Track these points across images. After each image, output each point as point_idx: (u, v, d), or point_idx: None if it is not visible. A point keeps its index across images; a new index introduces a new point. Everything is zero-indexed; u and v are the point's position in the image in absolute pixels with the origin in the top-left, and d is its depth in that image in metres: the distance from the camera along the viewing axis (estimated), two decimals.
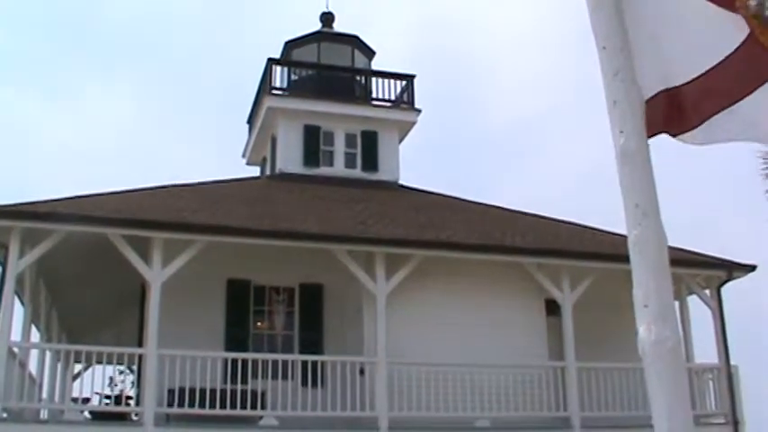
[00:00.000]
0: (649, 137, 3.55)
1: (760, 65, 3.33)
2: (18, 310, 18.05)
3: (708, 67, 3.43)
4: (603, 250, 19.86)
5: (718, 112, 3.46)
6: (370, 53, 27.56)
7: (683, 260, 19.14)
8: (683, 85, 3.50)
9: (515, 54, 78.24)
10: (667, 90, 3.54)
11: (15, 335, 17.00)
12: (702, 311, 21.02)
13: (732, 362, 20.39)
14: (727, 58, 3.38)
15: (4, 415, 15.77)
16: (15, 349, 16.52)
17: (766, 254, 21.01)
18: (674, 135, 3.63)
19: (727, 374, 20.19)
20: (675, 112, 3.54)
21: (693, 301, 21.13)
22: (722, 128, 3.50)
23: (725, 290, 21.07)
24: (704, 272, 20.90)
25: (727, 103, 3.42)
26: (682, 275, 19.53)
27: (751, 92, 3.38)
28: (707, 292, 21.07)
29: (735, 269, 20.88)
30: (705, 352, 20.87)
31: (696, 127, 3.54)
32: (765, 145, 3.49)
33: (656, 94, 3.57)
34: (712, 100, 3.45)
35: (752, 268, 21.00)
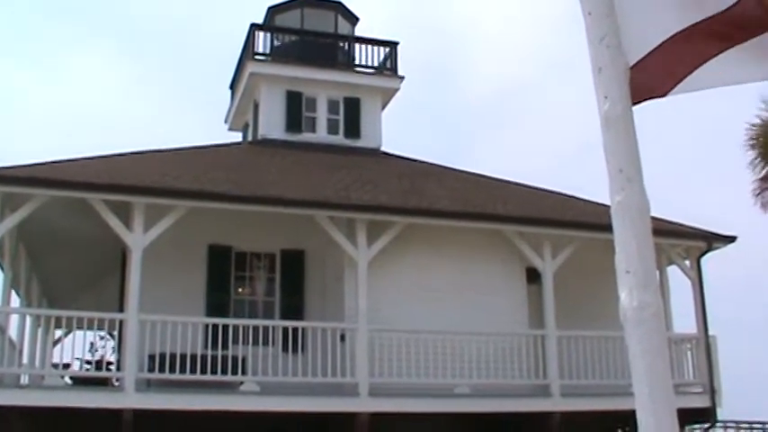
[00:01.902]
0: (635, 104, 3.53)
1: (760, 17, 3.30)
2: None
3: (698, 19, 3.41)
4: (585, 219, 19.94)
5: (715, 55, 3.43)
6: (353, 19, 27.43)
7: (663, 230, 19.22)
8: (676, 34, 3.48)
9: (500, 23, 78.07)
10: (658, 47, 3.52)
11: None
12: (678, 282, 21.19)
13: (710, 332, 20.57)
14: (718, 13, 3.35)
15: None
16: None
17: (746, 224, 21.18)
18: (663, 95, 3.60)
19: (706, 344, 20.34)
20: (667, 65, 3.52)
21: (671, 271, 21.27)
22: (720, 71, 3.47)
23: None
24: (685, 242, 21.00)
25: (725, 46, 3.40)
26: (662, 245, 19.61)
27: (751, 37, 3.35)
28: (687, 262, 21.19)
29: (715, 240, 21.00)
30: (682, 322, 21.06)
31: (688, 75, 3.51)
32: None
33: (642, 58, 3.55)
34: (709, 43, 3.42)
35: (732, 239, 21.12)
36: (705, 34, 3.41)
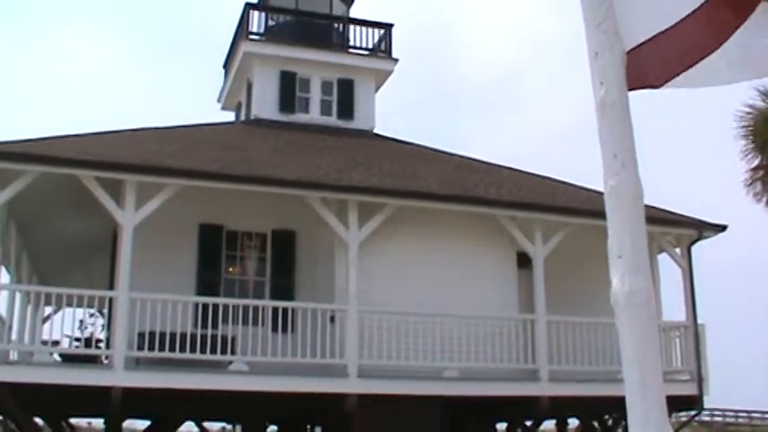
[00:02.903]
0: (630, 90, 3.54)
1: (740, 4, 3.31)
2: None
3: (690, 11, 3.41)
4: (577, 205, 19.97)
5: (706, 56, 3.44)
6: (348, 0, 27.35)
7: (654, 218, 19.25)
8: (666, 30, 3.48)
9: (497, 6, 78.02)
10: (653, 37, 3.52)
11: None
12: (667, 271, 21.25)
13: (699, 320, 20.65)
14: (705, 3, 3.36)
15: None
16: None
17: (737, 213, 21.21)
18: (657, 86, 3.61)
19: (695, 333, 20.42)
20: (662, 58, 3.53)
21: (661, 259, 21.33)
22: (712, 71, 3.48)
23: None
24: (675, 230, 21.04)
25: (714, 45, 3.41)
26: (653, 233, 19.64)
27: (731, 33, 3.36)
28: (677, 250, 21.23)
29: (705, 228, 21.05)
30: (670, 310, 21.15)
31: (682, 72, 3.52)
32: (760, 78, 3.43)
33: (638, 45, 3.55)
34: (700, 42, 3.43)
35: (722, 228, 21.18)
36: (703, 24, 3.41)
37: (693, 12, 3.40)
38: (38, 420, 20.10)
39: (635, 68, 3.56)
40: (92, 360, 17.96)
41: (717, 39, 3.40)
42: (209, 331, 16.82)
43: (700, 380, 20.16)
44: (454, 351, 18.52)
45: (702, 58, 3.45)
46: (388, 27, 26.07)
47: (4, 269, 20.74)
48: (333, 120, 24.58)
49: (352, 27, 26.28)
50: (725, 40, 3.38)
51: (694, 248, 21.21)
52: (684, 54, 3.46)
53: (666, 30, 3.46)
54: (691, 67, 3.47)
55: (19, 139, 17.22)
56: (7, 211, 18.40)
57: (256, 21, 25.42)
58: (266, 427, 25.25)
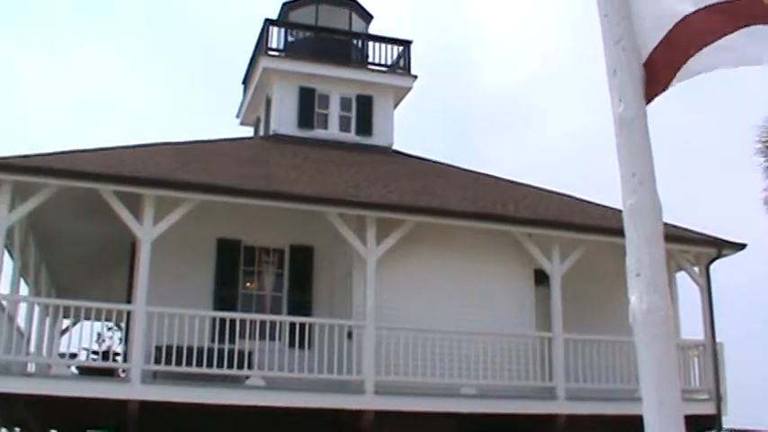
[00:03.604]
0: (649, 100, 3.53)
1: (753, 8, 3.31)
2: (8, 264, 18.02)
3: (699, 7, 3.40)
4: (595, 222, 19.92)
5: (709, 44, 3.43)
6: (367, 17, 27.43)
7: (673, 236, 19.18)
8: (675, 25, 3.47)
9: (513, 21, 78.02)
10: (665, 36, 3.51)
11: (4, 288, 16.98)
12: (685, 289, 21.14)
13: (718, 339, 20.53)
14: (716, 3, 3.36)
15: None
16: (4, 302, 16.49)
17: (756, 231, 21.11)
18: (665, 88, 3.60)
19: (713, 351, 20.30)
20: (667, 54, 3.52)
21: (679, 277, 21.22)
22: (712, 57, 3.46)
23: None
24: (694, 248, 20.93)
25: (719, 34, 3.39)
26: (672, 251, 19.56)
27: (742, 27, 3.36)
28: (696, 268, 21.12)
29: (725, 247, 20.94)
30: (688, 329, 21.03)
31: (686, 62, 3.50)
32: (759, 65, 3.40)
33: (652, 51, 3.54)
34: (705, 32, 3.41)
35: (741, 246, 21.06)
36: (704, 19, 3.41)
37: (696, 11, 3.39)
38: None
39: (649, 76, 3.56)
40: (109, 373, 18.00)
41: (718, 32, 3.39)
42: (227, 346, 16.85)
43: (718, 399, 20.03)
44: (471, 368, 18.47)
45: (706, 45, 3.44)
46: (406, 44, 26.12)
47: (23, 281, 20.83)
48: (351, 136, 24.62)
49: (371, 43, 26.35)
50: (726, 34, 3.38)
51: (713, 267, 21.10)
52: (688, 43, 3.46)
53: (674, 26, 3.46)
54: (694, 54, 3.46)
55: (38, 153, 17.33)
56: (27, 224, 18.51)
57: (276, 37, 25.52)
58: None
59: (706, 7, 3.39)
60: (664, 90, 3.59)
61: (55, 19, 75.47)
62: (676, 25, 3.45)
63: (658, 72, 3.54)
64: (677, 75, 3.53)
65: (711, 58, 3.46)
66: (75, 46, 75.74)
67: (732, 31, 3.37)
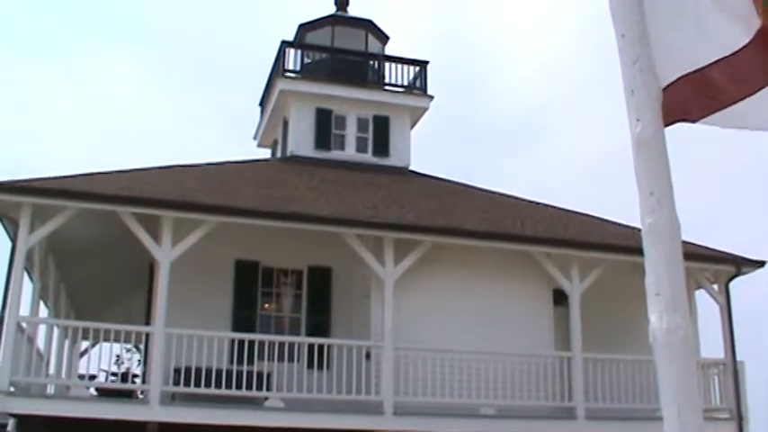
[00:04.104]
0: (666, 126, 3.53)
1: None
2: (27, 286, 18.11)
3: (730, 51, 3.40)
4: (613, 241, 19.87)
5: (744, 97, 3.43)
6: (383, 38, 27.53)
7: (692, 254, 19.11)
8: (705, 67, 3.47)
9: (529, 40, 78.13)
10: (688, 74, 3.52)
11: (24, 310, 17.06)
12: (705, 307, 21.03)
13: (738, 357, 20.41)
14: (748, 44, 3.35)
15: (12, 389, 15.84)
16: (24, 324, 16.58)
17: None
18: (693, 121, 3.60)
19: (734, 370, 20.18)
20: (697, 95, 3.52)
21: (698, 295, 21.13)
22: (749, 114, 3.46)
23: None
24: (713, 266, 20.85)
25: (753, 88, 3.39)
26: (691, 269, 19.51)
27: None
28: (715, 286, 21.04)
29: (744, 264, 20.85)
30: (708, 347, 20.90)
31: (720, 110, 3.50)
32: None
33: (674, 81, 3.55)
34: (738, 84, 3.42)
35: (761, 264, 20.97)
36: (741, 66, 3.40)
37: (733, 53, 3.39)
38: None
39: (671, 103, 3.55)
40: (128, 395, 18.04)
41: (754, 84, 3.39)
42: (245, 367, 16.87)
43: (740, 418, 19.90)
44: (490, 388, 18.42)
45: (741, 100, 3.43)
46: (423, 64, 26.19)
47: (42, 303, 20.91)
48: (368, 157, 24.66)
49: (387, 64, 26.42)
50: (761, 88, 3.37)
51: (732, 284, 21.01)
52: (722, 92, 3.45)
53: (704, 67, 3.45)
54: (728, 106, 3.46)
55: (57, 176, 17.43)
56: (46, 246, 18.60)
57: (292, 58, 25.61)
58: None
59: (729, 56, 3.39)
60: (690, 122, 3.59)
61: (68, 37, 76.00)
62: (703, 69, 3.45)
63: (683, 101, 3.53)
64: (708, 118, 3.53)
65: (740, 116, 3.46)
66: (90, 65, 76.20)
67: (758, 89, 3.37)
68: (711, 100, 3.49)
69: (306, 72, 25.65)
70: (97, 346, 18.70)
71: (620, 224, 21.75)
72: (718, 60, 3.41)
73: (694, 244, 19.70)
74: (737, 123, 3.53)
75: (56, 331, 22.03)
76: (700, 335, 20.68)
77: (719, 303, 20.83)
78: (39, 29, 74.51)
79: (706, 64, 3.45)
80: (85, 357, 22.94)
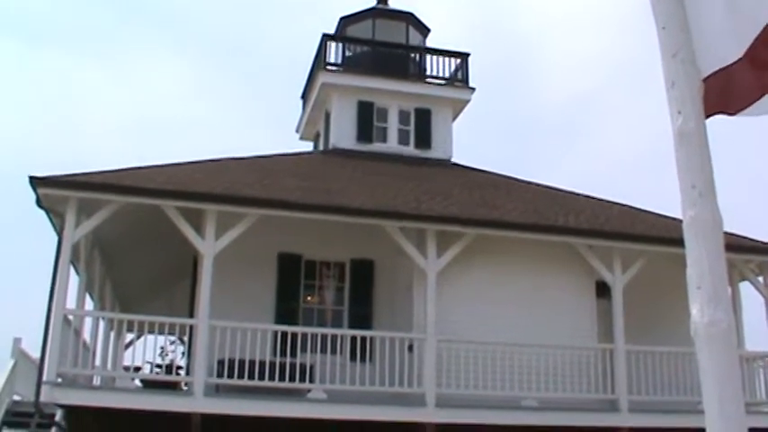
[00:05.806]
0: (706, 117, 3.52)
1: None
2: (73, 279, 18.30)
3: (754, 37, 3.37)
4: (656, 233, 19.73)
5: None
6: (424, 30, 27.50)
7: (736, 245, 18.95)
8: (738, 60, 3.45)
9: (570, 31, 77.63)
10: (724, 68, 3.50)
11: (70, 302, 17.25)
12: (750, 300, 20.82)
13: None
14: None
15: (59, 380, 16.03)
16: (70, 317, 16.77)
17: None
18: (732, 114, 3.58)
19: None
20: (734, 88, 3.50)
21: (743, 287, 20.92)
22: None
23: None
24: (758, 258, 20.64)
25: None
26: (734, 261, 19.35)
27: None
28: (760, 279, 20.82)
29: None
30: (754, 340, 20.68)
31: (758, 100, 3.48)
32: None
33: (713, 73, 3.53)
34: None
35: None
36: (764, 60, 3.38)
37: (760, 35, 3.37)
38: None
39: (711, 95, 3.54)
40: (172, 386, 18.19)
41: None
42: (288, 359, 16.95)
43: None
44: (533, 380, 18.38)
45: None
46: (464, 56, 26.14)
47: (88, 296, 21.14)
48: (410, 149, 24.68)
49: (428, 56, 26.41)
50: None
51: None
52: (761, 81, 3.43)
53: (741, 58, 3.43)
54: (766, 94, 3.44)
55: (102, 170, 17.60)
56: (92, 239, 18.80)
57: (334, 51, 25.67)
58: None
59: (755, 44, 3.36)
60: (730, 114, 3.57)
61: (113, 34, 76.55)
62: (742, 59, 3.43)
63: (723, 93, 3.52)
64: (747, 109, 3.51)
65: None
66: (133, 60, 76.75)
67: None
68: (753, 89, 3.47)
69: (347, 65, 25.69)
70: (142, 338, 18.87)
71: (662, 215, 21.59)
72: (755, 41, 3.38)
73: (738, 235, 19.53)
74: None
75: (101, 323, 22.25)
76: (744, 328, 20.49)
77: (764, 296, 20.62)
78: (83, 26, 75.13)
79: (744, 51, 3.42)
80: (130, 349, 23.16)
